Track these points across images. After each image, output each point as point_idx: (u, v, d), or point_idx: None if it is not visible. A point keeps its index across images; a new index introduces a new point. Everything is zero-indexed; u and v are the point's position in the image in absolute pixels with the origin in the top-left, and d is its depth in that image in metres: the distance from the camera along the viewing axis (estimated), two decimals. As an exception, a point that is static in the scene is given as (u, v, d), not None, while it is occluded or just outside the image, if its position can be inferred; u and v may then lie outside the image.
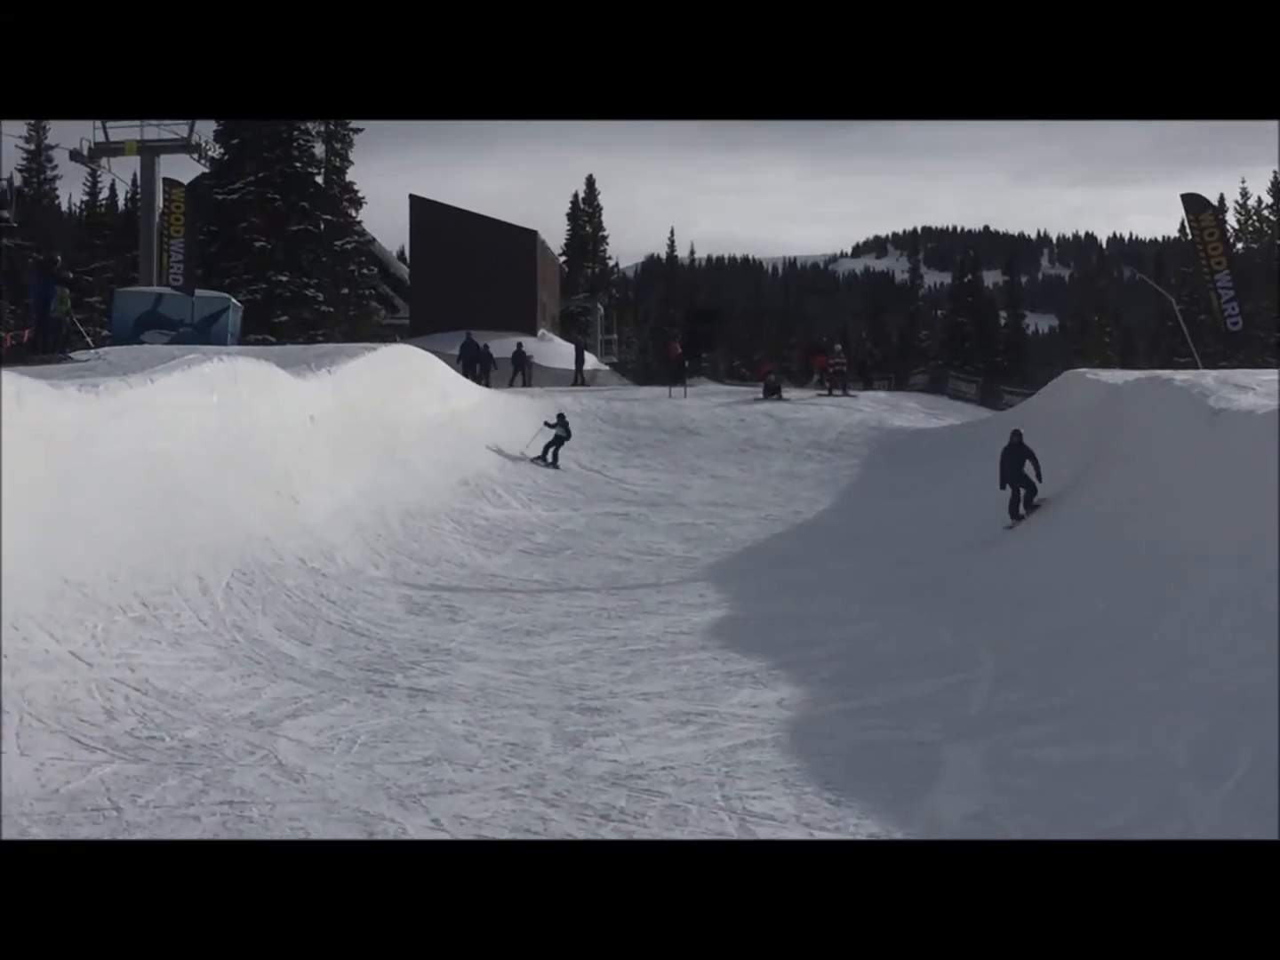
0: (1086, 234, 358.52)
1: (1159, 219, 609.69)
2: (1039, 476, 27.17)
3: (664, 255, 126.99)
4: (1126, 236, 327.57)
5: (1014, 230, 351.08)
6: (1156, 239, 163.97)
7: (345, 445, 27.16)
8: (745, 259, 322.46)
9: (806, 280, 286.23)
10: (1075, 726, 14.27)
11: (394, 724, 14.28)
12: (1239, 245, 77.45)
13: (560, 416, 36.90)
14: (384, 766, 12.70)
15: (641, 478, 36.21)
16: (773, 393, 46.45)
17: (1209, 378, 27.16)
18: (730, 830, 11.12)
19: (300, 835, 10.64)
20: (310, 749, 13.14)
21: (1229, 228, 65.24)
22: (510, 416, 37.73)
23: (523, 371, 50.29)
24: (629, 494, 33.97)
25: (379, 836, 10.67)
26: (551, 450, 36.19)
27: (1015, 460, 27.46)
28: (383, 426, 29.87)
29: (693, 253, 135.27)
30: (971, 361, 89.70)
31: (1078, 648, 17.44)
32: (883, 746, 13.80)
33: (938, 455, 36.85)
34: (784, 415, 43.21)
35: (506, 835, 10.84)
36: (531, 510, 31.15)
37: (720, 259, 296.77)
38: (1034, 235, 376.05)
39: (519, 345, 52.20)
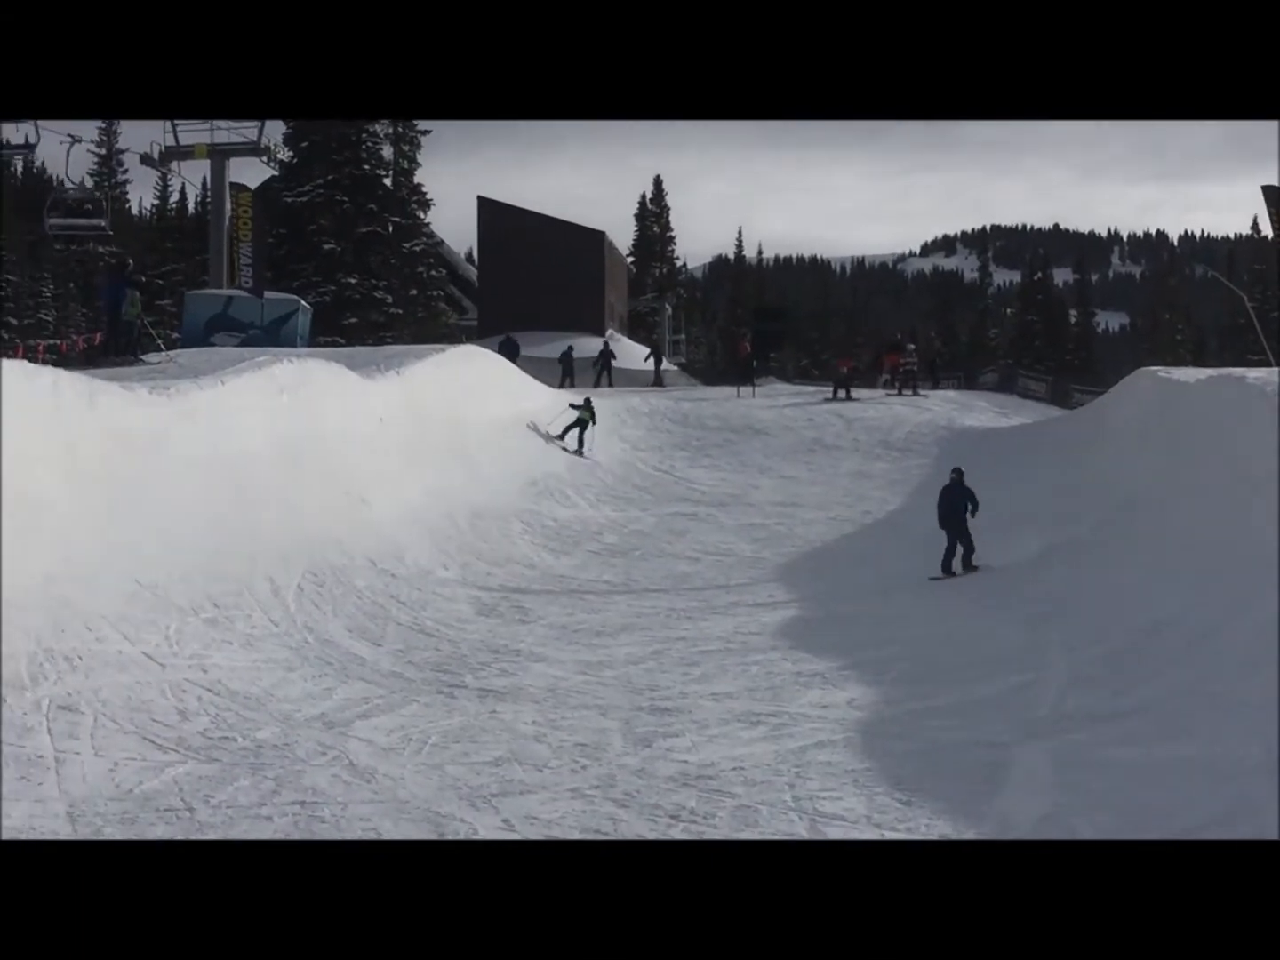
0: (1157, 231, 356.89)
1: (1230, 216, 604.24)
2: (973, 512, 24.72)
3: (732, 255, 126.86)
4: (1198, 234, 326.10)
5: (1084, 228, 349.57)
6: (1229, 236, 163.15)
7: (414, 446, 27.26)
8: (813, 259, 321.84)
9: (874, 280, 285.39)
10: (1147, 727, 14.21)
11: (464, 724, 14.33)
12: (1314, 240, 76.78)
13: (586, 400, 36.59)
14: (454, 767, 12.74)
15: (710, 478, 36.18)
16: (842, 387, 46.11)
17: (1282, 375, 26.94)
18: (801, 831, 11.12)
19: (371, 835, 10.69)
20: (381, 749, 13.19)
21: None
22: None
23: (607, 371, 50.37)
24: (697, 494, 33.95)
25: (447, 837, 10.71)
26: (576, 434, 35.81)
27: (955, 502, 24.88)
28: (451, 427, 29.94)
29: (760, 252, 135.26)
30: (1041, 360, 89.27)
31: (1150, 648, 17.35)
32: (953, 747, 13.76)
33: (1008, 455, 36.63)
34: (853, 415, 43.13)
35: (577, 835, 10.87)
36: (600, 511, 31.18)
37: (788, 259, 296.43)
38: (1104, 233, 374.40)
39: (605, 344, 52.44)
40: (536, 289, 67.27)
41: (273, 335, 43.47)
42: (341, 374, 26.13)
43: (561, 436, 35.64)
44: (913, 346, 54.07)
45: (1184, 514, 23.22)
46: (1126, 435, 31.05)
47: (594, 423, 36.13)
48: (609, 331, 69.55)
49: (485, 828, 10.94)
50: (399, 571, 21.74)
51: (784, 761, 13.11)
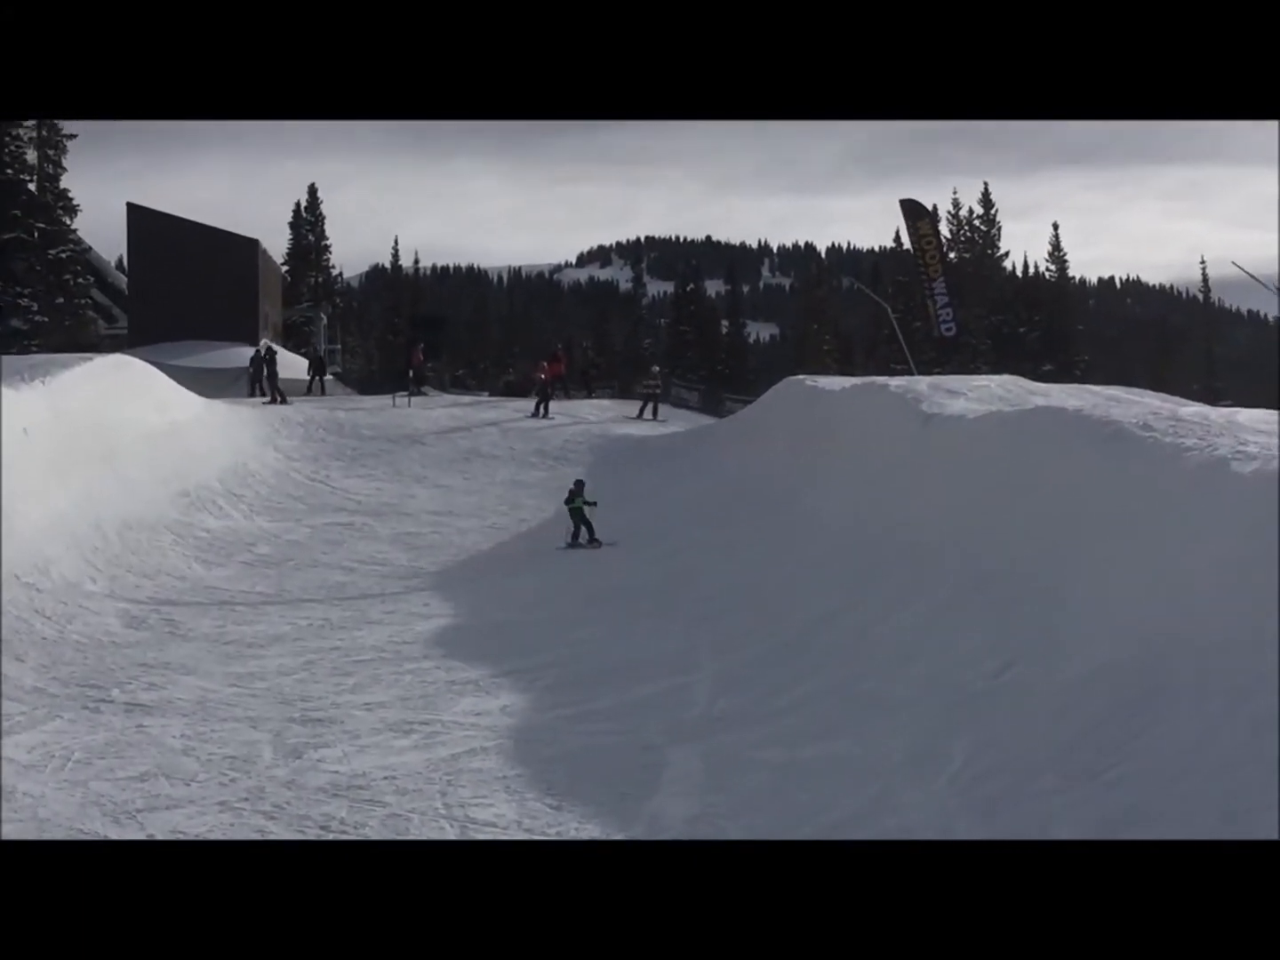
0: (806, 244, 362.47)
1: (860, 228, 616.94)
2: None
3: (388, 264, 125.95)
4: (845, 246, 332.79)
5: (735, 240, 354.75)
6: (873, 249, 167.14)
7: (61, 457, 26.50)
8: (470, 267, 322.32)
9: (532, 289, 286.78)
10: (797, 726, 14.54)
11: (110, 740, 14.04)
12: (952, 254, 79.30)
13: (578, 484, 30.47)
14: (99, 783, 12.48)
15: (365, 487, 35.86)
16: (544, 400, 44.83)
17: (923, 384, 27.88)
18: (452, 838, 11.14)
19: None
20: (21, 767, 12.86)
21: (943, 236, 66.69)
22: (230, 428, 37.23)
23: (319, 377, 50.25)
24: (353, 504, 33.65)
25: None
26: (583, 530, 29.68)
27: None
28: (100, 437, 29.18)
29: (417, 261, 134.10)
30: (694, 370, 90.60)
31: (802, 648, 17.77)
32: (606, 750, 13.91)
33: (661, 463, 37.12)
34: (509, 424, 43.19)
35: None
36: (254, 521, 30.74)
37: (445, 268, 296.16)
38: (755, 245, 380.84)
39: (315, 349, 52.04)
40: (189, 297, 66.03)
41: (-89, 344, 42.20)
42: (-19, 383, 25.37)
43: (575, 540, 29.61)
44: (657, 369, 53.90)
45: (834, 517, 23.79)
46: (776, 441, 31.69)
47: (587, 502, 30.02)
48: (263, 341, 68.63)
49: (129, 844, 10.75)
50: (44, 585, 21.15)
51: (436, 769, 13.12)
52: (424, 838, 11.16)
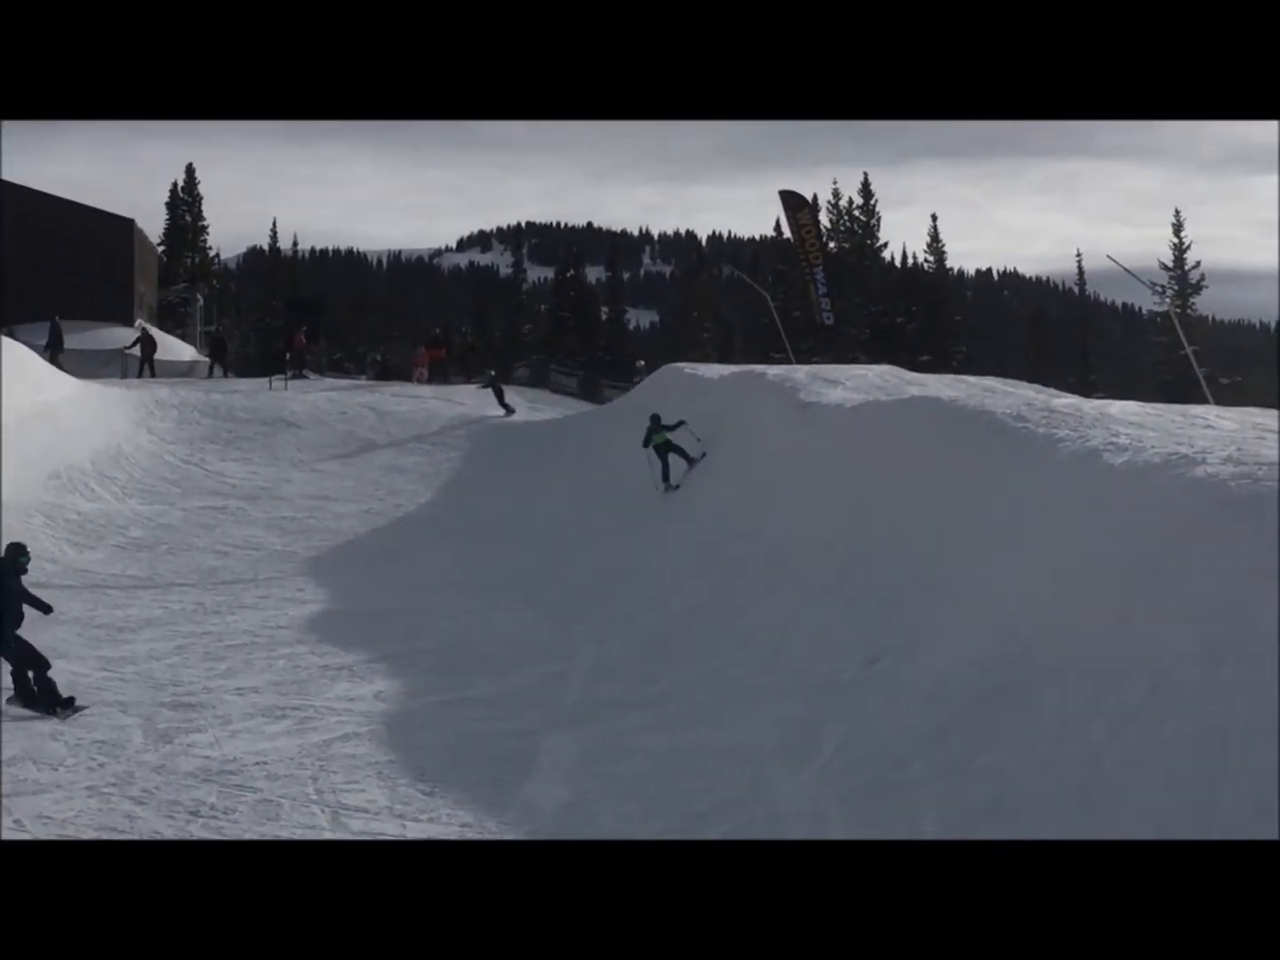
0: (687, 231, 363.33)
1: (738, 216, 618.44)
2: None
3: (266, 246, 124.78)
4: (726, 235, 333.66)
5: (617, 227, 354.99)
6: (754, 237, 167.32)
7: (-72, 437, 26.18)
8: (350, 251, 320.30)
9: (411, 274, 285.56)
10: (671, 714, 14.62)
11: (-24, 725, 13.87)
12: (832, 244, 79.66)
13: (654, 418, 28.33)
14: (-37, 768, 12.32)
15: (240, 471, 35.47)
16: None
17: (801, 372, 28.00)
18: (323, 823, 11.09)
19: None
20: (-115, 752, 12.68)
21: (823, 226, 67.04)
22: (104, 409, 36.74)
23: (221, 362, 49.72)
24: (227, 487, 33.33)
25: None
26: (676, 464, 27.98)
27: None
28: (-32, 418, 28.81)
29: (296, 244, 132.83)
30: (573, 355, 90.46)
31: (677, 637, 17.85)
32: (481, 737, 13.91)
33: (539, 449, 37.03)
34: (386, 408, 42.86)
35: (92, 834, 10.63)
36: (126, 504, 30.39)
37: (324, 251, 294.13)
38: (636, 232, 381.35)
39: (217, 330, 51.40)
40: (62, 276, 65.19)
41: None
42: None
43: (669, 481, 27.75)
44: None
45: (709, 505, 23.84)
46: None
47: (668, 427, 28.16)
48: (138, 322, 67.89)
49: (-5, 830, 10.63)
50: (-91, 567, 20.87)
51: (308, 755, 13.07)
52: (296, 823, 11.12)
